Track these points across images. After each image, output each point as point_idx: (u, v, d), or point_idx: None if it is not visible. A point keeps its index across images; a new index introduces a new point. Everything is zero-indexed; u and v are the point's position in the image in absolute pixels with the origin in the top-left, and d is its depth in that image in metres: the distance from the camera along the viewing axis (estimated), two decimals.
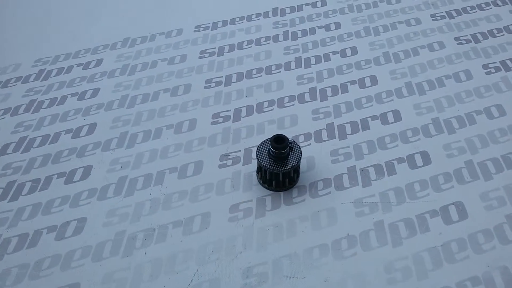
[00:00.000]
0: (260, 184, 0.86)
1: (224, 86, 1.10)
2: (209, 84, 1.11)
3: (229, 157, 0.93)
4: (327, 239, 0.77)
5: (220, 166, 0.91)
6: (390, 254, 0.75)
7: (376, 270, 0.73)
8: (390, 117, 0.98)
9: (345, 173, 0.87)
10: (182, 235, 0.80)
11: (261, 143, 0.85)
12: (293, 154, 0.82)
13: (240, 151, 0.94)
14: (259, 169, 0.84)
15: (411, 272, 0.72)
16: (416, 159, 0.89)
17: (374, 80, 1.08)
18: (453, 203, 0.81)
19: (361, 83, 1.08)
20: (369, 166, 0.88)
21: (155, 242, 0.79)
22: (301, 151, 0.83)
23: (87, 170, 0.92)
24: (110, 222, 0.83)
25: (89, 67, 1.20)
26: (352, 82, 1.08)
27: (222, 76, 1.13)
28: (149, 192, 0.87)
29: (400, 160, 0.89)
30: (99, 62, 1.22)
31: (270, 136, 0.82)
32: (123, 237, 0.80)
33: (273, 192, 0.85)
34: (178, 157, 0.94)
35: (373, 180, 0.86)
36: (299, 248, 0.76)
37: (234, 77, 1.13)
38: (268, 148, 0.82)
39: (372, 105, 1.02)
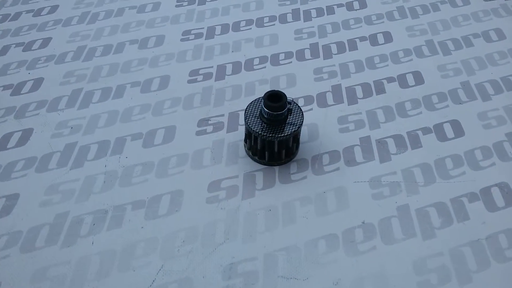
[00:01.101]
0: (249, 156, 0.67)
1: (206, 39, 0.90)
2: (187, 36, 0.91)
3: (209, 122, 0.73)
4: (337, 228, 0.59)
5: (198, 133, 0.71)
6: (420, 249, 0.57)
7: (402, 269, 0.55)
8: (410, 79, 0.80)
9: (357, 145, 0.69)
10: (144, 219, 0.60)
11: (251, 103, 0.65)
12: (293, 117, 0.63)
13: (223, 115, 0.74)
14: (248, 136, 0.65)
15: (449, 274, 0.54)
16: (446, 129, 0.71)
17: (388, 37, 0.89)
18: (496, 185, 0.63)
19: (373, 39, 0.89)
20: (387, 137, 0.70)
21: (107, 229, 0.59)
22: (302, 114, 0.64)
23: (26, 135, 0.71)
24: (50, 201, 0.62)
25: (41, 14, 0.98)
26: (362, 39, 0.89)
27: (203, 28, 0.93)
28: (103, 164, 0.67)
29: (425, 131, 0.71)
30: (53, 8, 0.99)
31: (264, 94, 0.62)
32: (65, 221, 0.60)
33: (265, 166, 0.66)
34: (144, 121, 0.73)
35: (393, 154, 0.67)
36: (300, 240, 0.58)
37: (218, 29, 0.92)
38: (261, 109, 0.63)
39: (387, 65, 0.83)
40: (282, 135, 0.61)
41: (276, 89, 0.62)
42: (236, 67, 0.83)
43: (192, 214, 0.60)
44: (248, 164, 0.66)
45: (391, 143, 0.69)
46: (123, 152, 0.68)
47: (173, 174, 0.65)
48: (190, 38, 0.90)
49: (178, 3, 1.00)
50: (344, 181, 0.64)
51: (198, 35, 0.91)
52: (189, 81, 0.80)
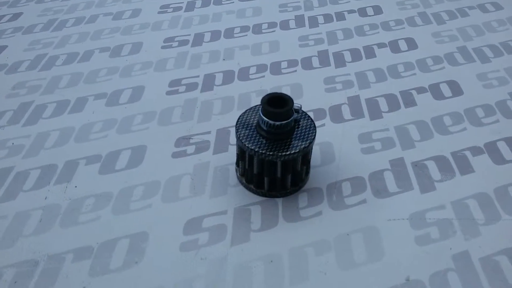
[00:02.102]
0: (242, 184, 0.49)
1: (192, 46, 0.74)
2: (170, 43, 0.75)
3: (191, 140, 0.56)
4: None
5: (175, 155, 0.54)
6: None
7: None
8: (445, 89, 0.64)
9: (388, 169, 0.51)
10: (89, 275, 0.42)
11: (246, 112, 0.49)
12: (302, 129, 0.46)
13: (209, 132, 0.57)
14: (241, 156, 0.47)
15: None
16: (501, 148, 0.54)
17: (412, 43, 0.74)
18: None
19: (394, 46, 0.73)
20: (426, 159, 0.52)
21: None
22: (315, 126, 0.47)
23: None
24: None
25: (0, 21, 0.83)
26: (381, 45, 0.74)
27: (189, 34, 0.78)
28: (43, 195, 0.49)
29: (475, 151, 0.54)
30: (15, 16, 0.85)
31: (263, 96, 0.45)
32: None
33: (264, 198, 0.48)
34: (106, 139, 0.56)
35: (437, 182, 0.50)
36: None
37: (207, 36, 0.77)
38: (258, 118, 0.46)
39: (415, 74, 0.67)
40: (287, 153, 0.44)
41: (279, 92, 0.46)
42: (228, 77, 0.67)
43: (159, 268, 0.42)
44: (240, 196, 0.48)
45: (432, 167, 0.52)
46: (72, 180, 0.51)
47: (137, 209, 0.47)
48: (173, 46, 0.75)
49: (162, 10, 0.85)
50: (375, 218, 0.46)
51: (183, 42, 0.75)
52: (169, 93, 0.64)
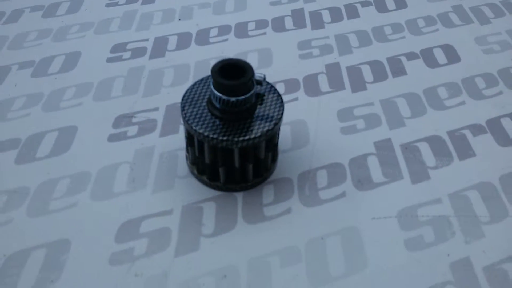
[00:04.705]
0: (194, 175, 0.40)
1: (142, 4, 0.62)
2: (116, 1, 0.63)
3: (134, 120, 0.45)
4: None
5: (112, 138, 0.43)
6: None
7: None
8: (440, 56, 0.54)
9: (372, 154, 0.42)
10: None
11: (195, 84, 0.38)
12: (266, 107, 0.36)
13: (157, 109, 0.46)
14: (189, 142, 0.37)
15: None
16: (505, 124, 0.45)
17: (401, 2, 0.64)
18: None
19: (380, 4, 0.63)
20: (418, 141, 0.44)
21: None
22: (282, 102, 0.37)
23: None
24: None
25: None
26: (365, 3, 0.63)
27: None
28: None
29: (476, 129, 0.45)
30: None
31: (214, 64, 0.35)
32: None
33: (220, 192, 0.39)
34: (27, 119, 0.45)
35: (431, 168, 0.41)
36: None
37: None
38: (210, 93, 0.36)
39: (404, 37, 0.57)
40: (247, 138, 0.34)
41: (235, 58, 0.35)
42: (184, 40, 0.56)
43: (82, 280, 0.32)
44: (191, 190, 0.39)
45: (425, 150, 0.43)
46: None
47: (58, 209, 0.37)
48: (119, 3, 0.63)
49: None
50: (356, 217, 0.37)
51: (132, 0, 0.63)
52: (110, 60, 0.53)
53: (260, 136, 0.34)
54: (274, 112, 0.36)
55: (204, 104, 0.36)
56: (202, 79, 0.39)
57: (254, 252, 0.34)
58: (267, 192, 0.39)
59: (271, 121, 0.35)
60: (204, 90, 0.38)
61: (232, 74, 0.34)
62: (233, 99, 0.34)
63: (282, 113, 0.36)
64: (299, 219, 0.37)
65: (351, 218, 0.37)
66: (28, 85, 0.49)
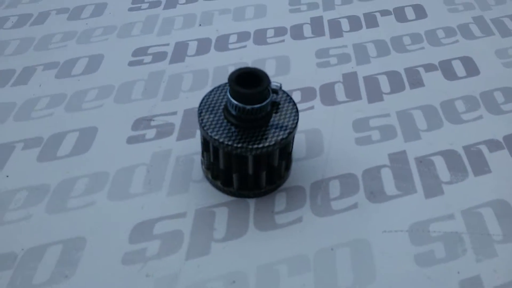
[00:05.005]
0: (208, 180, 0.40)
1: (164, 9, 0.64)
2: (138, 5, 0.65)
3: (152, 123, 0.46)
4: None
5: (131, 140, 0.44)
6: None
7: None
8: (459, 68, 0.54)
9: (386, 166, 0.42)
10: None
11: (213, 91, 0.39)
12: (281, 115, 0.37)
13: (175, 113, 0.48)
14: (205, 147, 0.38)
15: None
16: None
17: (420, 11, 0.63)
18: None
19: (400, 14, 0.63)
20: (433, 154, 0.43)
21: None
22: (297, 111, 0.38)
23: None
24: None
25: None
26: (384, 12, 0.63)
27: None
28: None
29: (493, 145, 0.44)
30: None
31: (231, 72, 0.36)
32: None
33: (233, 198, 0.39)
34: (51, 118, 0.47)
35: (445, 183, 0.41)
36: None
37: None
38: (226, 101, 0.37)
39: (423, 48, 0.57)
40: (262, 146, 0.34)
41: (252, 67, 0.36)
42: (204, 46, 0.57)
43: (92, 286, 0.33)
44: (205, 194, 0.40)
45: (440, 164, 0.43)
46: (4, 168, 0.42)
47: (76, 207, 0.38)
48: (142, 7, 0.64)
49: None
50: (367, 229, 0.37)
51: (154, 4, 0.65)
52: (131, 63, 0.54)
53: (274, 145, 0.35)
54: (289, 121, 0.37)
55: (220, 111, 0.37)
56: (219, 86, 0.40)
57: (264, 259, 0.35)
58: (280, 200, 0.39)
59: (285, 129, 0.36)
60: (221, 97, 0.38)
61: (249, 82, 0.35)
62: (248, 107, 0.34)
63: (296, 122, 0.36)
64: (310, 228, 0.37)
65: (362, 230, 0.37)
66: (52, 85, 0.51)
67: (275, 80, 0.51)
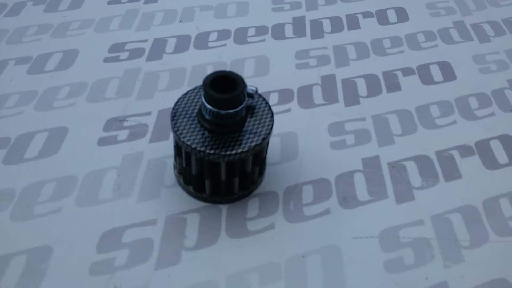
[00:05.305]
0: (180, 185, 0.40)
1: (145, 3, 0.62)
2: None
3: (125, 124, 0.45)
4: None
5: (102, 142, 0.43)
6: None
7: None
8: (436, 72, 0.54)
9: (359, 171, 0.42)
10: None
11: (187, 94, 0.39)
12: (256, 120, 0.37)
13: (150, 113, 0.47)
14: (177, 152, 0.38)
15: None
16: (495, 148, 0.45)
17: (402, 15, 0.63)
18: None
19: (382, 16, 0.63)
20: (405, 159, 0.44)
21: None
22: (272, 116, 0.37)
23: None
24: None
25: None
26: (367, 14, 0.63)
27: None
28: None
29: (465, 151, 0.45)
30: None
31: (206, 76, 0.35)
32: None
33: (205, 204, 0.39)
34: (20, 117, 0.46)
35: (416, 189, 0.41)
36: None
37: None
38: (200, 105, 0.36)
39: (402, 51, 0.57)
40: (235, 152, 0.34)
41: (228, 70, 0.35)
42: (182, 43, 0.56)
43: None
44: (176, 200, 0.39)
45: (412, 169, 0.43)
46: None
47: (42, 214, 0.37)
48: (122, 1, 0.62)
49: None
50: (338, 235, 0.37)
51: None
52: (107, 60, 0.53)
53: (247, 151, 0.34)
54: (263, 126, 0.36)
55: (194, 115, 0.37)
56: (195, 88, 0.39)
57: (235, 267, 0.35)
58: (252, 206, 0.39)
59: (259, 135, 0.35)
60: (195, 100, 0.38)
61: (224, 86, 0.35)
62: (223, 112, 0.34)
63: (271, 128, 0.36)
64: (282, 235, 0.37)
65: (333, 237, 0.37)
66: (24, 81, 0.50)
67: (253, 82, 0.50)
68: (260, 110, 0.38)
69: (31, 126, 0.44)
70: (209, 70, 0.52)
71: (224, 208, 0.39)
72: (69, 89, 0.49)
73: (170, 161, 0.42)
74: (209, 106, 0.34)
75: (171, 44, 0.56)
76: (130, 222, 0.37)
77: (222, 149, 0.34)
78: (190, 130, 0.35)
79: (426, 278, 0.35)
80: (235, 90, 0.34)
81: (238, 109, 0.34)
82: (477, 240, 0.38)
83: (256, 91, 0.37)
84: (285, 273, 0.35)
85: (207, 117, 0.35)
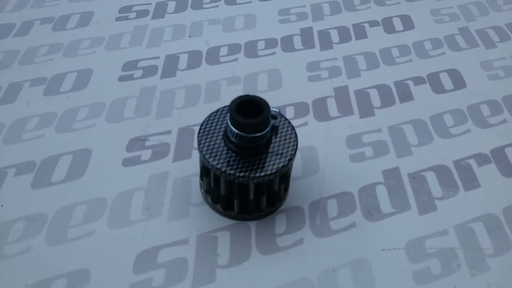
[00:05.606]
0: (208, 203, 0.41)
1: (152, 18, 0.63)
2: (126, 14, 0.63)
3: (147, 143, 0.46)
4: None
5: (127, 163, 0.44)
6: None
7: None
8: (446, 81, 0.55)
9: (381, 183, 0.43)
10: None
11: (210, 116, 0.39)
12: (280, 141, 0.37)
13: (170, 132, 0.47)
14: (205, 173, 0.38)
15: None
16: (509, 155, 0.47)
17: (408, 22, 0.64)
18: None
19: (387, 24, 0.64)
20: (425, 170, 0.45)
21: None
22: (296, 136, 0.38)
23: None
24: None
25: None
26: (373, 23, 0.64)
27: (150, 3, 0.65)
28: None
29: (482, 159, 0.46)
30: None
31: (231, 101, 0.36)
32: None
33: (234, 221, 0.40)
34: (41, 140, 0.46)
35: (437, 199, 0.42)
36: None
37: (171, 6, 0.65)
38: (225, 127, 0.37)
39: (411, 60, 0.58)
40: (264, 174, 0.35)
41: (252, 94, 0.36)
42: (194, 59, 0.56)
43: None
44: (205, 218, 0.40)
45: (432, 179, 0.44)
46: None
47: (76, 237, 0.38)
48: (129, 17, 0.63)
49: None
50: (366, 248, 0.38)
51: (142, 13, 0.63)
52: (122, 78, 0.53)
53: (275, 172, 0.35)
54: (288, 146, 0.37)
55: (220, 137, 0.37)
56: (217, 110, 0.40)
57: (269, 284, 0.36)
58: (280, 222, 0.40)
59: (285, 156, 0.36)
60: (220, 122, 0.38)
61: (249, 110, 0.35)
62: (250, 135, 0.35)
63: (296, 148, 0.37)
64: (311, 250, 0.38)
65: (361, 250, 0.38)
66: (41, 103, 0.50)
67: (268, 96, 0.51)
68: (284, 129, 0.38)
69: (54, 149, 0.45)
70: (223, 86, 0.53)
71: (252, 225, 0.39)
72: (88, 109, 0.49)
73: (195, 179, 0.43)
74: (236, 130, 0.35)
75: (183, 60, 0.56)
76: (163, 242, 0.38)
77: (251, 171, 0.35)
78: (218, 153, 0.36)
79: (454, 287, 0.36)
80: (261, 115, 0.35)
81: (264, 132, 0.35)
82: (500, 248, 0.39)
83: (279, 112, 0.38)
84: (318, 287, 0.35)
85: (234, 140, 0.36)
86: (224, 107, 0.40)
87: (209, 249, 0.37)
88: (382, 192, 0.43)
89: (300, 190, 0.42)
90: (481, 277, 0.37)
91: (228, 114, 0.35)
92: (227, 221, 0.40)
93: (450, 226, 0.40)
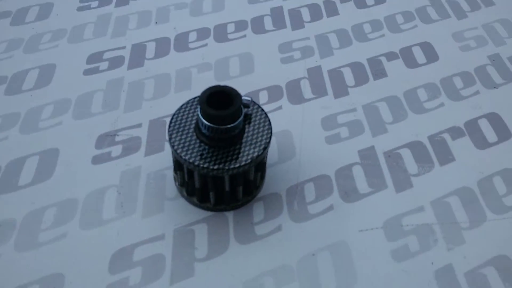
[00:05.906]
0: (183, 196, 0.40)
1: (116, 6, 0.60)
2: (88, 3, 0.61)
3: (117, 138, 0.44)
4: None
5: (96, 160, 0.43)
6: None
7: None
8: (419, 55, 0.55)
9: (357, 163, 0.43)
10: None
11: (181, 108, 0.38)
12: (253, 129, 0.36)
13: (140, 125, 0.46)
14: (178, 167, 0.37)
15: None
16: (483, 127, 0.47)
17: None
18: None
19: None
20: (400, 147, 0.45)
21: None
22: (270, 124, 0.37)
23: None
24: None
25: None
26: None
27: None
28: None
29: (456, 132, 0.46)
30: None
31: (201, 92, 0.35)
32: None
33: (210, 212, 0.39)
34: (7, 143, 0.44)
35: (413, 176, 0.42)
36: None
37: None
38: (197, 119, 0.36)
39: (383, 35, 0.57)
40: (238, 165, 0.34)
41: (222, 84, 0.35)
42: (162, 47, 0.55)
43: None
44: (181, 212, 0.39)
45: (407, 156, 0.44)
46: None
47: (47, 241, 0.37)
48: (92, 6, 0.60)
49: None
50: (344, 230, 0.38)
51: (105, 1, 0.61)
52: (87, 72, 0.51)
53: (250, 163, 0.34)
54: (262, 135, 0.36)
55: (191, 130, 0.36)
56: (188, 102, 0.38)
57: (249, 274, 0.35)
58: (257, 210, 0.39)
59: (260, 145, 0.35)
60: (190, 115, 0.37)
61: (220, 100, 0.34)
62: (222, 127, 0.34)
63: (270, 136, 0.36)
64: (290, 236, 0.38)
65: (340, 232, 0.38)
66: (2, 104, 0.48)
67: (240, 81, 0.50)
68: (257, 118, 0.38)
69: (19, 150, 0.43)
70: (194, 73, 0.51)
71: (230, 215, 0.39)
72: (53, 107, 0.47)
73: (169, 173, 0.42)
74: (207, 123, 0.34)
75: (150, 49, 0.54)
76: (139, 240, 0.37)
77: (225, 163, 0.34)
78: (190, 147, 0.35)
79: (432, 263, 0.37)
80: (232, 106, 0.34)
81: (236, 122, 0.34)
82: (475, 221, 0.39)
83: (251, 100, 0.37)
84: (298, 274, 0.35)
85: (206, 132, 0.35)
86: (194, 98, 0.39)
87: (186, 243, 0.37)
88: (358, 173, 0.42)
89: (277, 176, 0.42)
90: (457, 251, 0.37)
91: (199, 106, 0.34)
92: (203, 213, 0.39)
93: (426, 202, 0.40)
